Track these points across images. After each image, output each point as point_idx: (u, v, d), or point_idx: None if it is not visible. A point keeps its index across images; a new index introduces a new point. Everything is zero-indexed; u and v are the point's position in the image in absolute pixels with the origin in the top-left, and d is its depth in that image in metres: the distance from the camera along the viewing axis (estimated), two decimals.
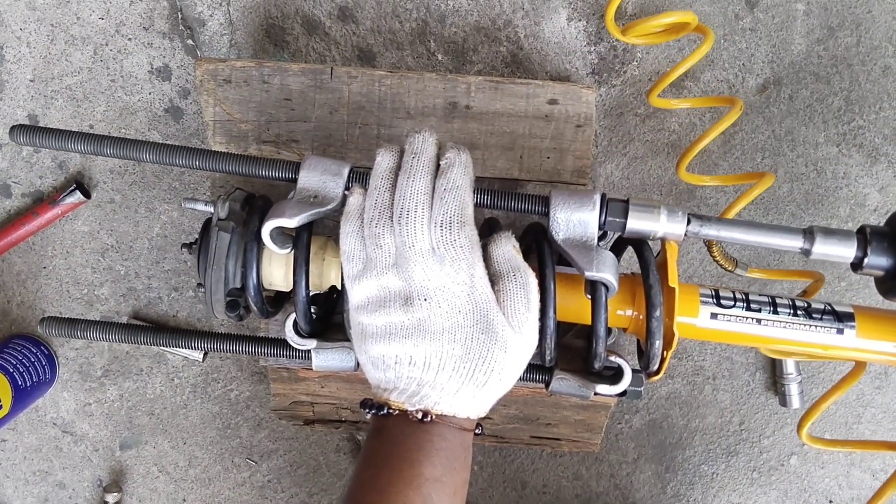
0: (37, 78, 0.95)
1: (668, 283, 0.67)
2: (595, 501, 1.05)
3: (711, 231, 0.68)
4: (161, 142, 0.73)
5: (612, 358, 0.70)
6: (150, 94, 0.96)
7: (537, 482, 1.04)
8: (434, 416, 0.59)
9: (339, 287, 0.69)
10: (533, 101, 0.81)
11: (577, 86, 0.81)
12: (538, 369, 0.70)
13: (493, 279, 0.61)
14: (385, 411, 0.60)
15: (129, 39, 0.94)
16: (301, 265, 0.66)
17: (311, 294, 0.69)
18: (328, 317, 0.76)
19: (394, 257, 0.60)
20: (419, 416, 0.59)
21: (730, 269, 0.90)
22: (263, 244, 0.69)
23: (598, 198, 0.65)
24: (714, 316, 0.70)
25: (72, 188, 0.95)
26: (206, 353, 1.02)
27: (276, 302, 0.77)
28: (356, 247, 0.61)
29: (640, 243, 0.70)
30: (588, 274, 0.62)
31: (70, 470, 1.08)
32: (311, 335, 0.72)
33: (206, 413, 1.05)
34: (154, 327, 0.79)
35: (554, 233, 0.64)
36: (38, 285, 1.01)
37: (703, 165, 0.94)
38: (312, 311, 0.71)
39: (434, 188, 0.60)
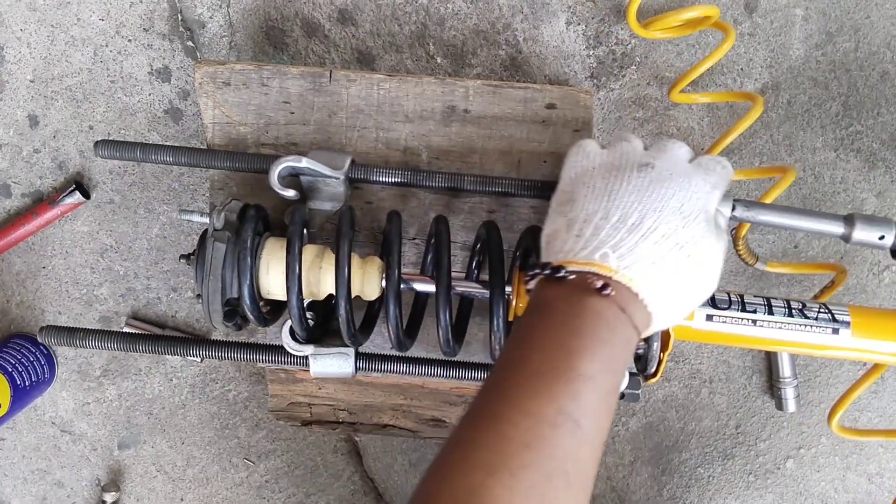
0: (37, 78, 0.96)
1: None
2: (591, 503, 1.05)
3: (757, 215, 0.70)
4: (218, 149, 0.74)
5: None
6: (149, 95, 0.96)
7: None
8: (613, 289, 0.54)
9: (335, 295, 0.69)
10: (531, 105, 0.81)
11: (576, 90, 0.81)
12: None
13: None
14: (561, 273, 0.55)
15: (130, 41, 0.94)
16: (293, 271, 0.66)
17: (308, 301, 0.69)
18: (325, 323, 0.76)
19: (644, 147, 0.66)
20: (598, 284, 0.54)
21: (751, 263, 0.91)
22: (259, 254, 0.70)
23: None
24: (710, 318, 0.71)
25: (71, 188, 0.96)
26: None
27: (275, 310, 0.77)
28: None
29: None
30: None
31: (68, 469, 1.08)
32: (308, 342, 0.72)
33: (204, 413, 1.05)
34: (152, 336, 0.79)
35: None
36: (37, 285, 1.02)
37: None
38: (309, 317, 0.71)
39: None
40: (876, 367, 0.78)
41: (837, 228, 0.70)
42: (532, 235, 0.73)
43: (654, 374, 0.70)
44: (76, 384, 1.05)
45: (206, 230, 0.70)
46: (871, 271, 0.96)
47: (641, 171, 0.61)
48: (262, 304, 0.73)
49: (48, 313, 1.02)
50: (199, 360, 1.01)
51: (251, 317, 0.70)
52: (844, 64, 0.92)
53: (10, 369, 0.96)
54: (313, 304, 0.74)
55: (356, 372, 0.75)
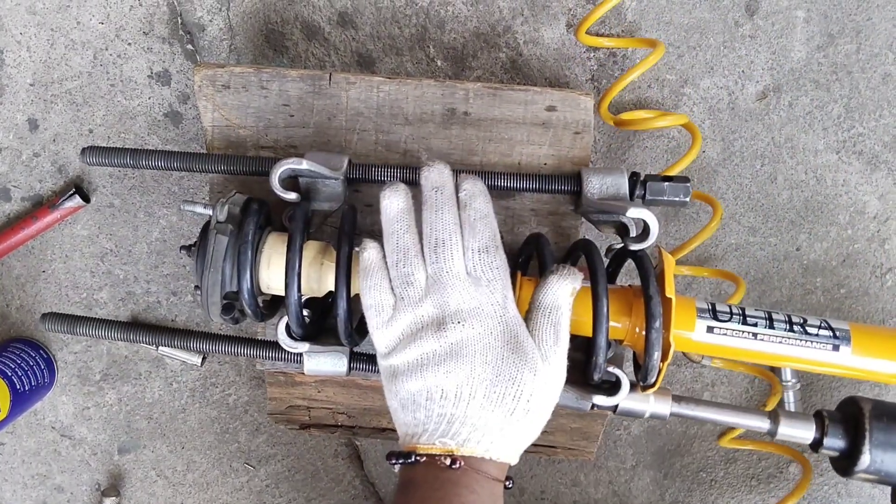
0: (37, 82, 0.96)
1: (665, 295, 0.67)
2: None
3: (688, 410, 0.76)
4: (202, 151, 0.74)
5: (611, 369, 0.70)
6: (149, 98, 0.96)
7: (535, 488, 1.04)
8: (462, 462, 0.58)
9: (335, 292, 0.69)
10: (531, 107, 0.81)
11: (576, 92, 0.81)
12: None
13: (529, 309, 0.64)
14: (412, 459, 0.59)
15: (129, 44, 0.94)
16: (293, 267, 0.66)
17: (306, 298, 0.69)
18: (322, 320, 0.75)
19: (425, 290, 0.62)
20: (447, 461, 0.58)
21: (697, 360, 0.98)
22: (260, 248, 0.70)
23: (624, 167, 0.75)
24: (710, 329, 0.70)
25: (71, 192, 0.96)
26: (204, 358, 1.02)
27: (273, 306, 0.77)
28: (382, 296, 0.62)
29: (639, 254, 0.70)
30: (629, 213, 0.71)
31: (68, 474, 1.08)
32: (304, 339, 0.72)
33: (204, 417, 1.05)
34: (153, 326, 0.79)
35: (589, 195, 0.74)
36: (37, 289, 1.02)
37: (702, 172, 0.94)
38: (306, 314, 0.70)
39: (460, 218, 0.63)
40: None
41: (764, 424, 0.76)
42: (536, 243, 0.73)
43: (654, 384, 0.69)
44: (76, 388, 1.04)
45: (207, 223, 0.70)
46: (873, 274, 0.96)
47: (440, 336, 0.61)
48: (260, 298, 0.73)
49: None
50: (199, 363, 1.01)
51: (249, 311, 0.70)
52: (846, 66, 0.92)
53: (9, 374, 0.95)
54: (310, 302, 0.73)
55: (349, 372, 0.75)
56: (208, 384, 1.04)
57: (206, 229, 0.70)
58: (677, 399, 0.75)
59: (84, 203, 0.97)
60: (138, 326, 0.82)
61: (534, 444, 0.93)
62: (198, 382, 1.04)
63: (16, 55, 0.95)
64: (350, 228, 0.69)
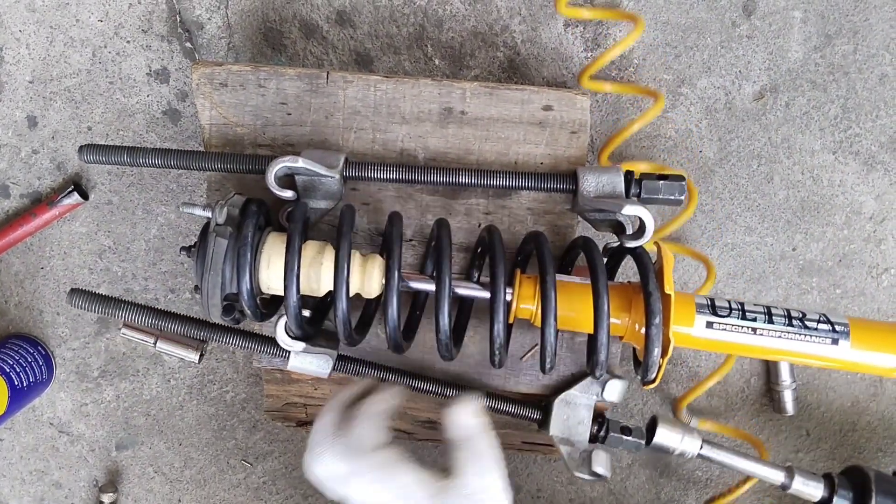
0: (36, 79, 0.96)
1: (664, 291, 0.67)
2: None
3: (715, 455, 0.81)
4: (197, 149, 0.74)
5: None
6: (148, 96, 0.96)
7: (532, 486, 1.04)
8: None
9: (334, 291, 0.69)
10: (528, 107, 0.81)
11: (572, 92, 0.81)
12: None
13: (451, 446, 0.65)
14: None
15: (128, 42, 0.95)
16: (291, 269, 0.66)
17: (303, 297, 0.69)
18: (320, 321, 0.76)
19: None
20: None
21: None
22: (260, 249, 0.70)
23: (619, 166, 0.75)
24: (710, 325, 0.71)
25: (70, 189, 0.96)
26: (202, 355, 1.02)
27: (273, 304, 0.77)
28: None
29: (638, 251, 0.71)
30: (624, 211, 0.69)
31: (66, 470, 1.08)
32: (303, 339, 0.72)
33: (201, 414, 1.05)
34: (163, 311, 0.79)
35: (585, 193, 0.74)
36: (35, 286, 1.02)
37: (699, 172, 0.94)
38: (306, 314, 0.71)
39: None
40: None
41: (779, 477, 0.80)
42: (535, 241, 0.73)
43: (654, 380, 0.70)
44: (74, 385, 1.05)
45: (207, 223, 0.70)
46: (869, 274, 0.96)
47: None
48: (260, 297, 0.73)
49: (46, 314, 1.02)
50: (196, 360, 1.01)
51: (249, 312, 0.70)
52: (843, 66, 0.92)
53: (7, 370, 0.96)
54: (308, 301, 0.74)
55: (330, 374, 0.75)
56: (206, 381, 1.04)
57: (205, 231, 0.70)
58: (707, 442, 0.79)
59: (82, 200, 0.97)
60: (159, 312, 0.81)
61: (530, 443, 0.94)
62: (195, 380, 1.04)
63: (15, 52, 0.95)
64: (348, 228, 0.69)
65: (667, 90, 0.93)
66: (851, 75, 0.92)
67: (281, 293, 0.70)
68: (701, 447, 0.79)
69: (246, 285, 0.68)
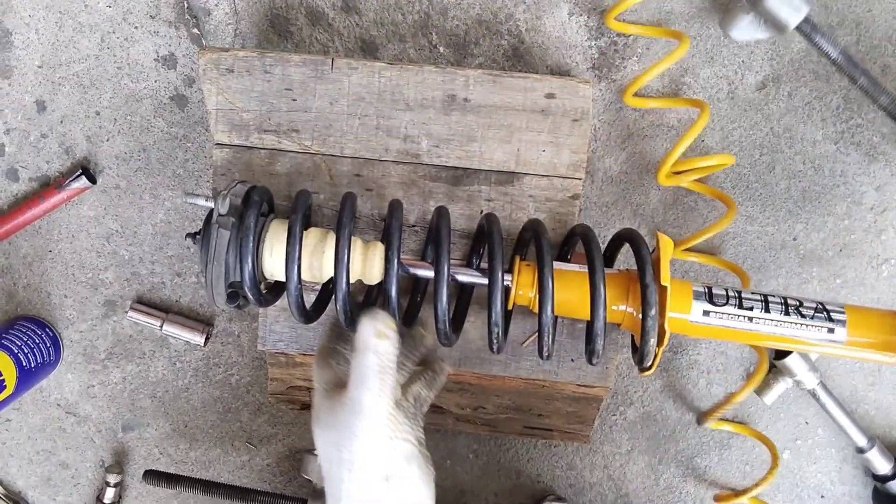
0: (45, 64, 0.97)
1: (660, 282, 0.68)
2: (588, 492, 1.06)
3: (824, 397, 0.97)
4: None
5: None
6: (155, 81, 0.97)
7: (532, 471, 1.05)
8: None
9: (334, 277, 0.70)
10: (531, 94, 0.82)
11: (575, 80, 0.82)
12: None
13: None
14: None
15: (136, 27, 0.95)
16: (293, 259, 0.67)
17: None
18: (325, 305, 0.77)
19: None
20: None
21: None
22: (263, 237, 0.71)
23: None
24: (706, 313, 0.71)
25: (78, 173, 0.97)
26: (207, 338, 1.03)
27: (276, 290, 0.79)
28: None
29: (636, 240, 0.71)
30: None
31: (73, 450, 1.09)
32: (306, 323, 0.73)
33: (207, 397, 1.07)
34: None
35: None
36: (43, 268, 1.03)
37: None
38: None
39: None
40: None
41: (861, 441, 0.97)
42: (534, 229, 0.74)
43: (650, 368, 0.71)
44: (81, 367, 1.06)
45: (211, 212, 0.71)
46: (869, 264, 0.97)
47: None
48: (263, 284, 0.74)
49: (54, 296, 1.04)
50: (202, 343, 1.03)
51: (252, 298, 0.72)
52: None
53: (16, 351, 0.97)
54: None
55: None
56: (211, 364, 1.05)
57: (209, 220, 0.71)
58: (822, 385, 0.96)
59: (90, 184, 0.98)
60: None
61: (530, 428, 0.95)
62: (201, 362, 1.05)
63: (24, 37, 0.96)
64: (349, 215, 0.69)
65: (669, 80, 0.93)
66: None
67: (284, 279, 0.71)
68: (817, 383, 0.95)
69: (248, 273, 0.69)
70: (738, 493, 0.99)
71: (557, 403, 0.91)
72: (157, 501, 1.11)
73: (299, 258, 0.68)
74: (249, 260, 0.69)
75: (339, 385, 0.65)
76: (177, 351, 1.05)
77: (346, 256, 0.68)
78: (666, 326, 0.69)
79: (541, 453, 1.05)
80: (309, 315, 0.73)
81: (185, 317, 1.03)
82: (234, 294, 0.73)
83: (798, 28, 0.83)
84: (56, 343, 1.04)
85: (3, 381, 0.94)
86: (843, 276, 0.98)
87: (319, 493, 0.95)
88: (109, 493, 1.08)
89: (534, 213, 0.84)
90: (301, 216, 0.69)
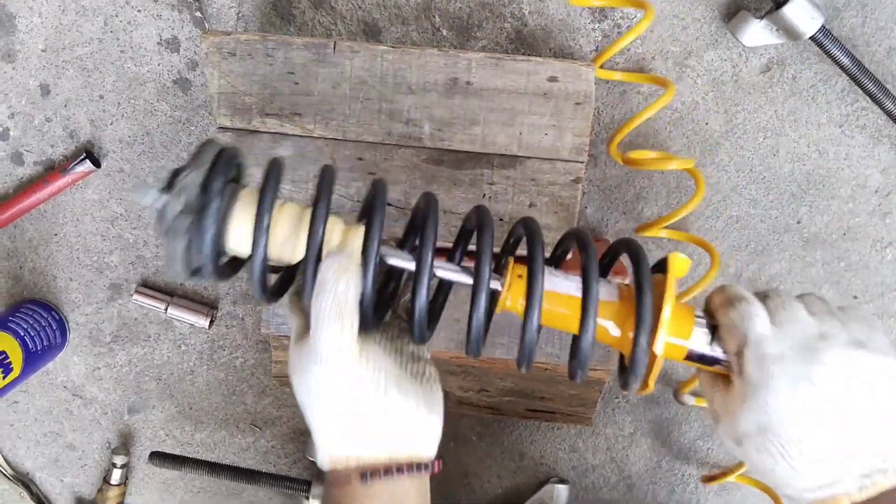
0: (48, 48, 0.97)
1: (660, 317, 0.59)
2: (591, 474, 1.07)
3: None
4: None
5: None
6: (158, 65, 0.97)
7: (535, 453, 1.06)
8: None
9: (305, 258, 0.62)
10: (533, 78, 0.82)
11: (578, 63, 0.82)
12: None
13: None
14: None
15: (139, 11, 0.95)
16: (261, 234, 0.58)
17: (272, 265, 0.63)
18: (284, 289, 0.70)
19: None
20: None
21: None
22: (231, 212, 0.61)
23: None
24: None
25: (82, 157, 0.97)
26: (212, 321, 1.04)
27: (235, 265, 0.69)
28: None
29: (636, 253, 0.60)
30: None
31: (80, 432, 1.11)
32: (267, 302, 0.67)
33: (211, 379, 1.07)
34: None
35: None
36: (49, 252, 1.04)
37: (704, 144, 0.95)
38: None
39: None
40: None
41: None
42: (525, 226, 0.65)
43: (644, 388, 0.62)
44: (87, 349, 1.07)
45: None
46: (873, 248, 0.97)
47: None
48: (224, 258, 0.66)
49: (59, 280, 1.04)
50: (207, 325, 1.03)
51: (213, 275, 0.63)
52: (851, 39, 0.92)
53: (22, 333, 0.98)
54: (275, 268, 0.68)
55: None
56: (216, 347, 1.06)
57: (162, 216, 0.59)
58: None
59: (95, 168, 0.98)
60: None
61: (533, 410, 0.95)
62: (206, 345, 1.06)
63: (28, 21, 0.96)
64: (327, 187, 0.60)
65: (673, 62, 0.93)
66: (859, 48, 0.92)
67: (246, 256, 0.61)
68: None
69: (207, 250, 0.59)
70: (724, 471, 0.99)
71: (560, 386, 0.91)
72: (162, 483, 1.12)
73: (267, 236, 0.58)
74: (210, 233, 0.57)
75: (308, 329, 0.63)
76: (181, 334, 1.06)
77: (319, 234, 0.58)
78: (658, 354, 0.58)
79: (544, 436, 1.06)
80: (272, 296, 0.67)
81: (189, 300, 1.04)
82: (198, 269, 0.65)
83: (812, 37, 0.85)
84: (62, 326, 1.05)
85: (10, 363, 0.95)
86: (847, 260, 0.97)
87: (324, 475, 0.96)
88: (116, 475, 1.09)
89: (536, 196, 0.83)
90: (274, 186, 0.59)
